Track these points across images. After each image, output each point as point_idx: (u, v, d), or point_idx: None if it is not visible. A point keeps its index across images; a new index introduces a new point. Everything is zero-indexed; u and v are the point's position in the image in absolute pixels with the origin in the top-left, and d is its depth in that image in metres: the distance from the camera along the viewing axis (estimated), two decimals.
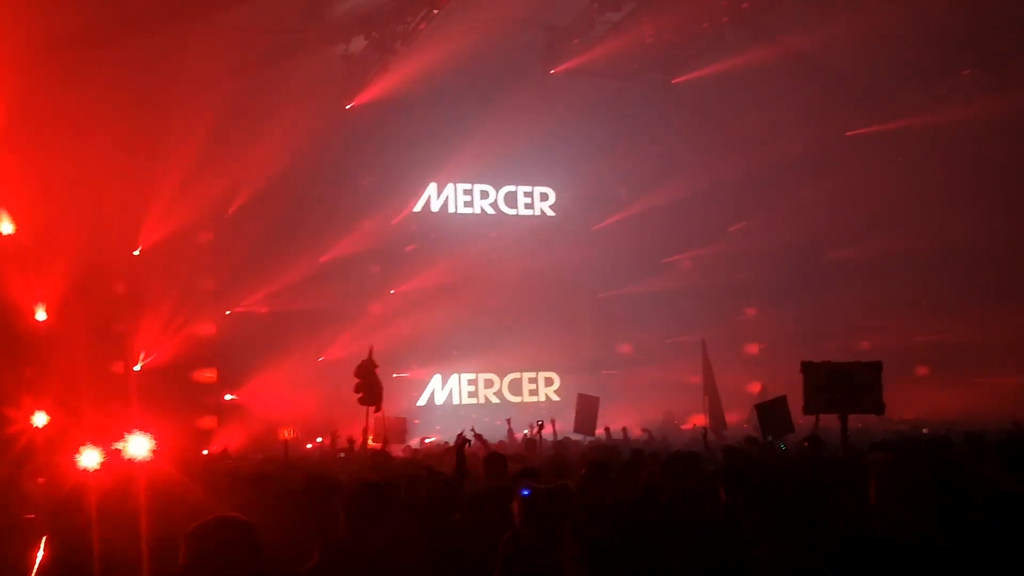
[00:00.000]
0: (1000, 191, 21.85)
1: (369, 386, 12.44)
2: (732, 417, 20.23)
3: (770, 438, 11.03)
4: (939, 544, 4.05)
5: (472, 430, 11.17)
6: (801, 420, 11.01)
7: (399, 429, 15.85)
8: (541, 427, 11.51)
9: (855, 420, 10.33)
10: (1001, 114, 19.92)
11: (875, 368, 7.79)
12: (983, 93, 20.26)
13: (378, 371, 12.92)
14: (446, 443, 14.07)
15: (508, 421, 17.18)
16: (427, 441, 17.91)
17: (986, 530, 3.64)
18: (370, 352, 12.74)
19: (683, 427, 20.99)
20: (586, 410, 15.63)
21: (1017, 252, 21.56)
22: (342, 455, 13.26)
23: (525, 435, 16.02)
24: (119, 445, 15.17)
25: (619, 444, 13.60)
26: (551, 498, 4.80)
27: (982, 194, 21.89)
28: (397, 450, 15.09)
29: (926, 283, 22.61)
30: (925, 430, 11.61)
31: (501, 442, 15.19)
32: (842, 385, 7.65)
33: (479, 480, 7.58)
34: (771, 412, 10.01)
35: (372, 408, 12.77)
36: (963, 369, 21.91)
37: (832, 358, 8.26)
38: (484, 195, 25.88)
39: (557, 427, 14.68)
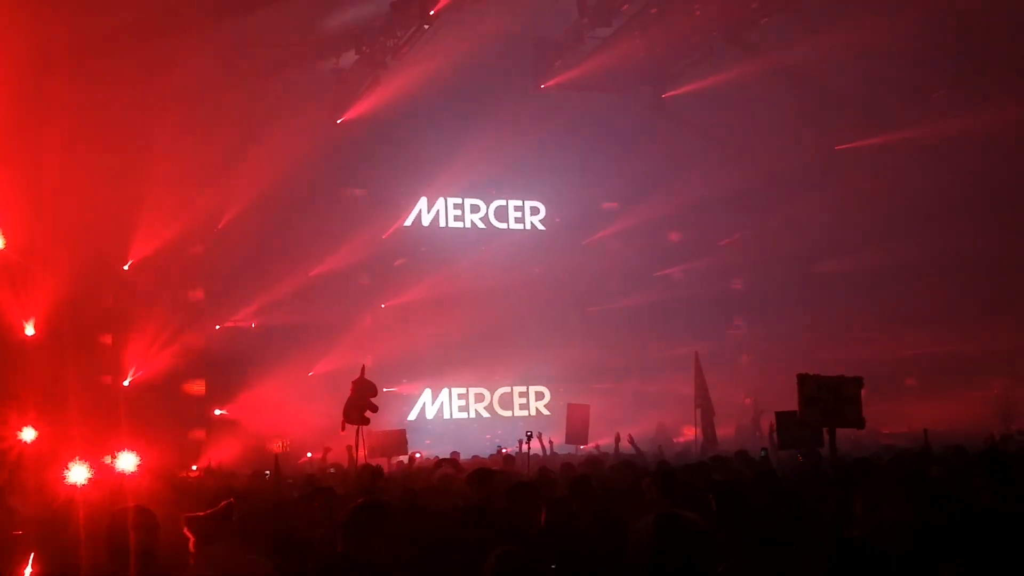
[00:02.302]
0: (989, 204, 21.99)
1: (357, 407, 12.27)
2: (723, 430, 20.23)
3: (764, 452, 11.02)
4: (912, 555, 4.09)
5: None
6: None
7: (399, 441, 15.77)
8: (530, 438, 11.43)
9: (850, 434, 10.34)
10: (990, 128, 20.05)
11: (856, 383, 7.81)
12: (971, 107, 20.39)
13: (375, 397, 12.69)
14: (436, 457, 14.02)
15: None
16: (417, 456, 17.84)
17: (964, 543, 3.67)
18: (363, 371, 12.62)
19: (676, 439, 20.98)
20: (577, 419, 15.49)
21: (1006, 265, 21.69)
22: (332, 471, 13.19)
23: (500, 449, 16.01)
24: (108, 460, 15.14)
25: (607, 458, 13.56)
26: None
27: (972, 207, 22.03)
28: (392, 464, 15.06)
29: (916, 295, 22.69)
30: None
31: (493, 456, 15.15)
32: (830, 398, 7.67)
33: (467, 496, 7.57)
34: (790, 422, 9.93)
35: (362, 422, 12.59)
36: (951, 381, 21.98)
37: (822, 370, 8.28)
38: (475, 209, 25.93)
39: (547, 441, 14.61)
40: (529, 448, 11.45)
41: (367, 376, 12.45)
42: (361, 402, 12.14)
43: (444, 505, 6.93)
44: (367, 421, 12.09)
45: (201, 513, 5.11)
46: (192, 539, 5.17)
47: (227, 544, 5.13)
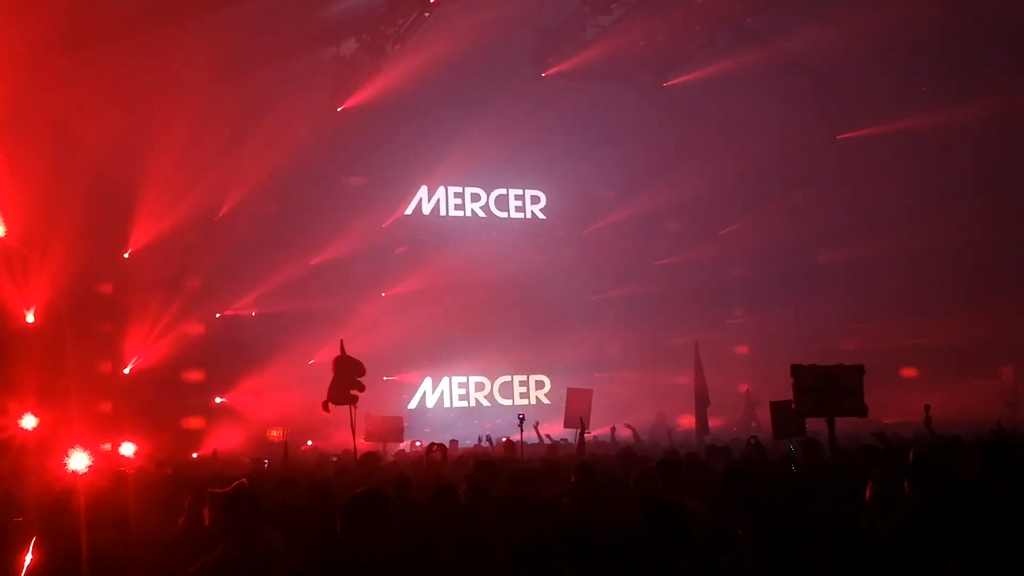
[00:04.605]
0: (993, 192, 21.96)
1: (342, 386, 11.83)
2: (722, 420, 20.27)
3: (754, 440, 11.03)
4: (917, 541, 4.09)
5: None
6: None
7: (395, 428, 15.76)
8: (522, 421, 11.28)
9: (846, 423, 10.33)
10: (988, 118, 20.03)
11: (858, 371, 7.83)
12: (971, 98, 20.34)
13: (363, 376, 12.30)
14: (439, 445, 14.00)
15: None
16: (417, 444, 17.89)
17: (965, 530, 3.67)
18: (342, 347, 12.21)
19: (675, 429, 21.02)
20: (577, 404, 15.38)
21: (1010, 253, 21.67)
22: (335, 459, 13.21)
23: (484, 437, 16.00)
24: (107, 447, 15.19)
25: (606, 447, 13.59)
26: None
27: (971, 197, 21.99)
28: (392, 451, 15.08)
29: (914, 285, 22.68)
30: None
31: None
32: (828, 388, 7.68)
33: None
34: (784, 412, 9.93)
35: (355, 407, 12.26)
36: (950, 371, 21.98)
37: (821, 360, 8.29)
38: (475, 198, 25.90)
39: (544, 430, 14.63)
40: (521, 435, 11.39)
41: (349, 354, 11.94)
42: (346, 381, 11.69)
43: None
44: (355, 400, 11.67)
45: (220, 490, 5.16)
46: (210, 514, 5.22)
47: None
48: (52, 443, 13.67)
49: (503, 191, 26.16)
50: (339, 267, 22.84)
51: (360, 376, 11.75)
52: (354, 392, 11.57)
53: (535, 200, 26.54)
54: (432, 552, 5.04)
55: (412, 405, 24.09)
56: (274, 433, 20.12)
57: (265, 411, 20.65)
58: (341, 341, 12.09)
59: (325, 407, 11.60)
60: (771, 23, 20.49)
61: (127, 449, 14.67)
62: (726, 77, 21.43)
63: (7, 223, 17.44)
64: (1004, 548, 3.51)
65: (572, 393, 15.88)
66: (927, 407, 10.21)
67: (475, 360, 24.74)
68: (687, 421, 19.88)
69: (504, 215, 26.16)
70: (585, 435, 16.47)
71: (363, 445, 12.98)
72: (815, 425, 9.81)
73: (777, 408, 10.47)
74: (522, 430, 11.32)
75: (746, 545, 4.44)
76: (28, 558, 5.07)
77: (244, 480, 5.39)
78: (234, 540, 4.79)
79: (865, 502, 4.95)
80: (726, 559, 4.37)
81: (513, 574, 3.84)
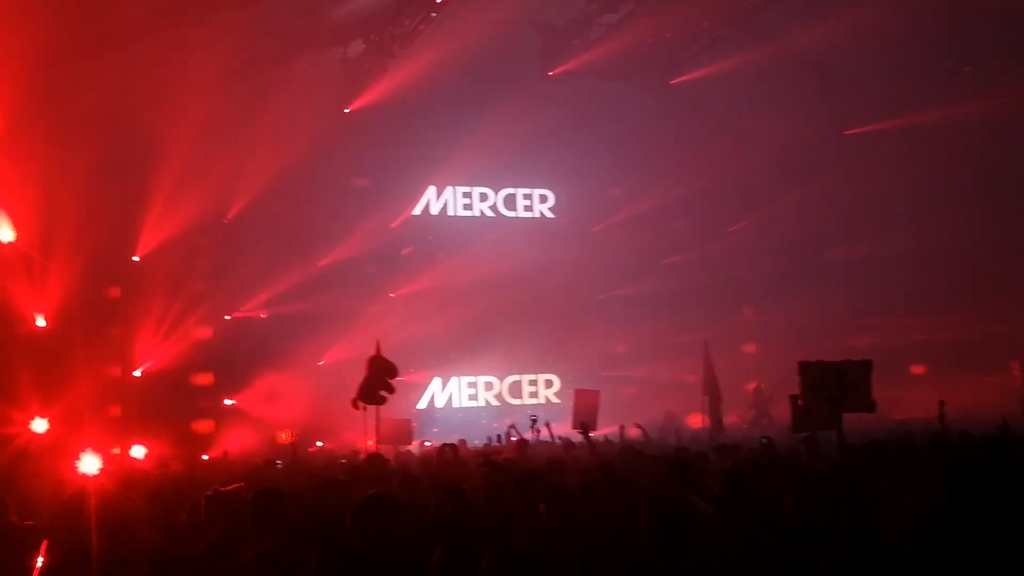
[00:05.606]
0: (996, 190, 21.86)
1: (373, 387, 11.95)
2: (731, 417, 20.23)
3: (765, 440, 10.99)
4: (931, 544, 4.07)
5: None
6: None
7: (405, 431, 15.79)
8: (535, 422, 11.29)
9: (854, 420, 10.27)
10: (997, 114, 19.93)
11: (866, 367, 7.76)
12: (979, 93, 20.25)
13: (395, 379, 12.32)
14: (451, 445, 14.00)
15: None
16: (426, 444, 17.90)
17: (980, 530, 3.65)
18: (378, 348, 12.30)
19: (683, 427, 20.97)
20: (584, 405, 15.33)
21: (1013, 250, 21.57)
22: (343, 461, 13.22)
23: (497, 435, 15.99)
24: (117, 450, 15.24)
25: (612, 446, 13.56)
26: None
27: (978, 193, 21.90)
28: (400, 452, 15.09)
29: (923, 281, 22.58)
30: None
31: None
32: (835, 384, 7.63)
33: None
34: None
35: (367, 409, 12.33)
36: (959, 367, 21.88)
37: (829, 357, 8.24)
38: (483, 197, 25.91)
39: (554, 429, 14.60)
40: (538, 434, 11.39)
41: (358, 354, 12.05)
42: (378, 381, 11.79)
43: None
44: (383, 401, 11.75)
45: (212, 492, 5.23)
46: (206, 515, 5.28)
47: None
48: (62, 447, 13.72)
49: (511, 190, 26.17)
50: (347, 268, 22.85)
51: (392, 378, 11.87)
52: (383, 393, 11.67)
53: (543, 199, 26.55)
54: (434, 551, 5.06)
55: (421, 405, 24.10)
56: (283, 435, 20.16)
57: (275, 413, 20.66)
58: (377, 341, 12.21)
59: (355, 404, 11.70)
60: (777, 19, 20.47)
61: (137, 452, 14.72)
62: (733, 74, 21.41)
63: (18, 227, 17.51)
64: (1008, 548, 3.50)
65: (579, 394, 15.86)
66: (942, 403, 10.10)
67: (484, 360, 24.73)
68: (695, 419, 19.84)
69: (512, 214, 26.17)
70: (590, 436, 16.46)
71: (370, 447, 13.02)
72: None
73: (796, 401, 10.42)
74: (537, 431, 11.35)
75: (751, 545, 4.43)
76: (39, 562, 5.10)
77: (241, 485, 5.50)
78: (265, 534, 4.89)
79: (871, 500, 4.94)
80: (731, 559, 4.36)
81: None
